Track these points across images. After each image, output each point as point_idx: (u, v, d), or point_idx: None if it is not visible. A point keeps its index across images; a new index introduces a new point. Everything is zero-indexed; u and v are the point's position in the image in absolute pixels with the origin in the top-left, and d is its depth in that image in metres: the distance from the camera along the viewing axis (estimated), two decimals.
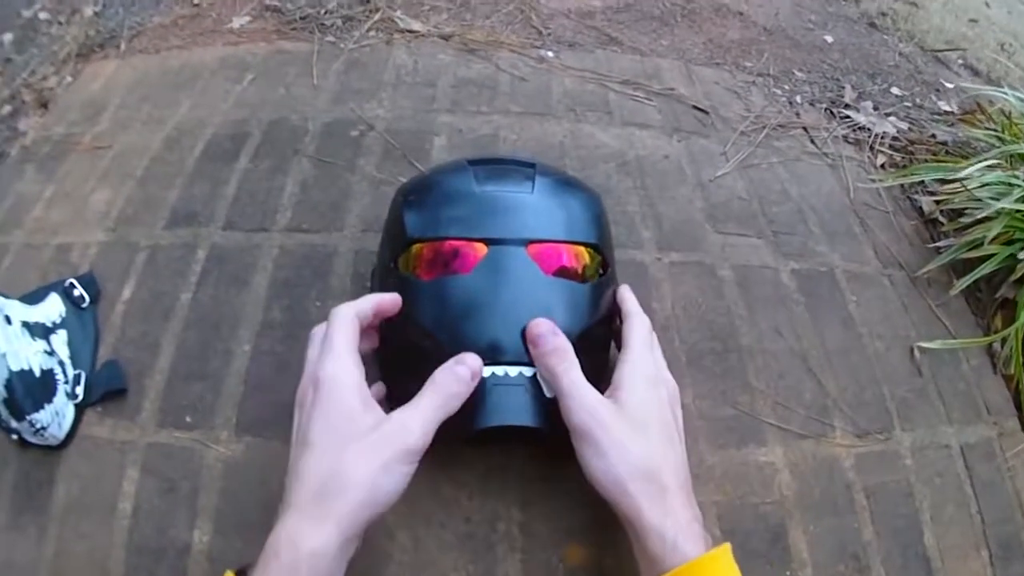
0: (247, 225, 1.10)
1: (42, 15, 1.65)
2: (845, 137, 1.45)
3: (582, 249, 0.81)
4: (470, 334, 0.73)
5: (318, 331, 0.72)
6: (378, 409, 0.66)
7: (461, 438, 0.71)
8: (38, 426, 0.82)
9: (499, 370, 0.72)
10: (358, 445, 0.61)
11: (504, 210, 0.80)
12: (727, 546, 0.64)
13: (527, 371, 0.72)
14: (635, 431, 0.68)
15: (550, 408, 0.71)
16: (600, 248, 0.83)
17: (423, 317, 0.76)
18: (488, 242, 0.77)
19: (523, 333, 0.73)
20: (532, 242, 0.78)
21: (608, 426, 0.67)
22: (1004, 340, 1.09)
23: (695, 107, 1.44)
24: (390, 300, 0.76)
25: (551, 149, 1.27)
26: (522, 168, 0.86)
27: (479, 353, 0.71)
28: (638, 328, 0.79)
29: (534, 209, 0.81)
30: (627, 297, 0.84)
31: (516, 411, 0.71)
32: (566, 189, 0.88)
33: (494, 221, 0.78)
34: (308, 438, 0.63)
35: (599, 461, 0.66)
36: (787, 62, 1.69)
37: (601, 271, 0.83)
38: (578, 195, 0.87)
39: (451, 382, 0.68)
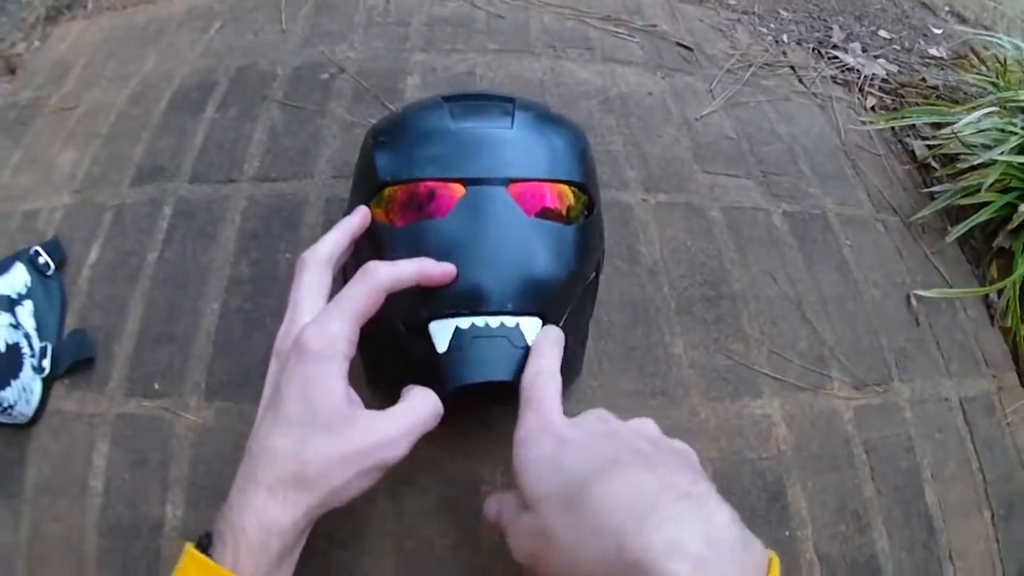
0: (214, 177, 1.05)
1: None
2: (834, 78, 1.41)
3: (566, 188, 0.75)
4: (448, 283, 0.67)
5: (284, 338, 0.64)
6: (359, 404, 0.61)
7: (440, 395, 0.65)
8: (5, 404, 0.79)
9: (479, 321, 0.67)
10: (339, 449, 0.57)
11: (482, 147, 0.74)
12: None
13: (509, 321, 0.67)
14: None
15: None
16: (586, 187, 0.78)
17: None
18: (466, 182, 0.71)
19: (506, 278, 0.68)
20: (513, 181, 0.72)
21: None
22: (1001, 291, 1.07)
23: (679, 44, 1.39)
24: (359, 218, 0.71)
25: (530, 86, 1.22)
26: (501, 103, 0.81)
27: (458, 302, 0.66)
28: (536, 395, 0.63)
29: (514, 146, 0.75)
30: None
31: (498, 365, 0.66)
32: (548, 124, 0.81)
33: (471, 159, 0.73)
34: (285, 411, 0.58)
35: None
36: (772, 1, 1.65)
37: (587, 212, 0.78)
38: (561, 131, 0.81)
39: (435, 406, 0.63)
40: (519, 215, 0.70)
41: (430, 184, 0.71)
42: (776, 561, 0.49)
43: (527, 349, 0.66)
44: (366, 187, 0.76)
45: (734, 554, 0.46)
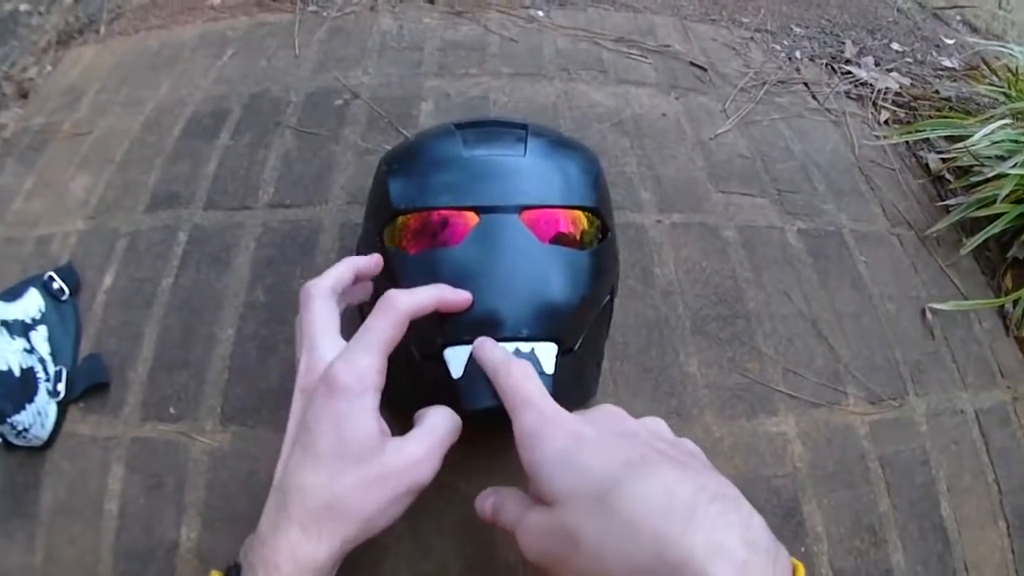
0: (229, 204, 1.06)
1: (23, 6, 1.61)
2: (847, 93, 1.42)
3: (580, 214, 0.76)
4: (465, 309, 0.68)
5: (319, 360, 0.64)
6: (388, 432, 0.61)
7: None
8: (20, 428, 0.79)
9: None
10: (370, 477, 0.57)
11: (495, 175, 0.75)
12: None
13: (524, 347, 0.68)
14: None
15: (550, 385, 0.67)
16: (599, 212, 0.78)
17: None
18: (479, 210, 0.72)
19: (521, 305, 0.68)
20: (526, 208, 0.73)
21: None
22: (1016, 301, 1.07)
23: (692, 64, 1.40)
24: (368, 261, 0.71)
25: (544, 110, 1.23)
26: (513, 129, 0.82)
27: (473, 329, 0.67)
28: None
29: (527, 173, 0.76)
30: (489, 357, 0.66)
31: None
32: (561, 150, 0.82)
33: (484, 187, 0.73)
34: (315, 447, 0.57)
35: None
36: (784, 17, 1.66)
37: (600, 236, 0.78)
38: (574, 156, 0.82)
39: (454, 418, 0.64)
40: (533, 242, 0.71)
41: (443, 213, 0.72)
42: (801, 568, 0.48)
43: (543, 374, 0.67)
44: (380, 215, 0.76)
45: (769, 557, 0.46)
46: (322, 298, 0.65)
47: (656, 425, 0.60)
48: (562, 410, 0.59)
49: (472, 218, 0.71)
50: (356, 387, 0.58)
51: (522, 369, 0.62)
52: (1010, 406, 0.98)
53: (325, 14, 1.46)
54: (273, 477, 0.59)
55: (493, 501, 0.63)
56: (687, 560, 0.44)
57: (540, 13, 1.49)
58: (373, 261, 0.71)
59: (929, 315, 1.03)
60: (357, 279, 0.71)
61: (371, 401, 0.59)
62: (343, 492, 0.56)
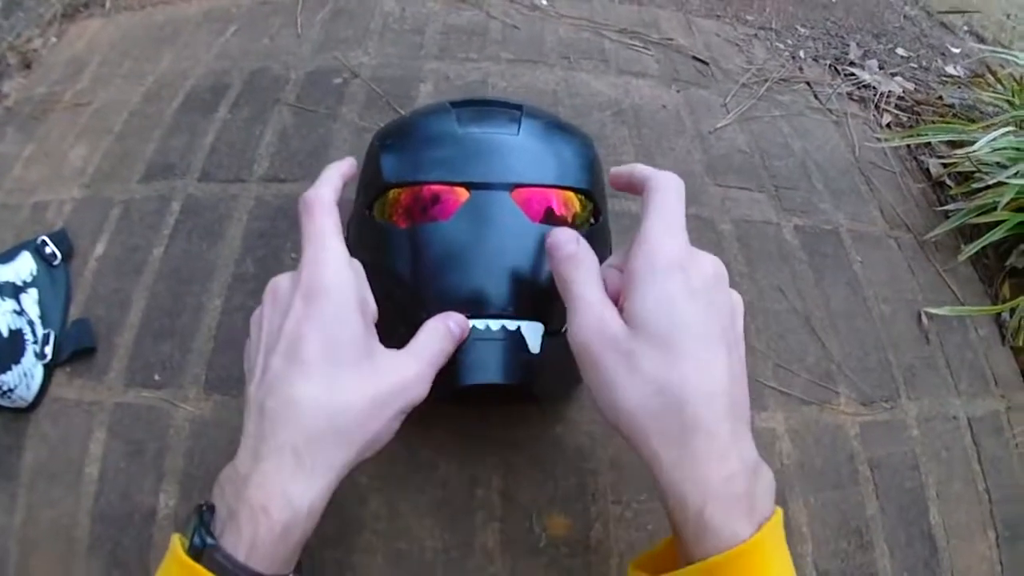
0: (223, 176, 1.05)
1: None
2: (850, 94, 1.41)
3: (572, 195, 0.75)
4: (451, 285, 0.68)
5: (281, 283, 0.60)
6: (377, 339, 0.58)
7: (438, 396, 0.63)
8: (5, 388, 0.80)
9: (480, 324, 0.66)
10: (367, 383, 0.53)
11: (487, 152, 0.74)
12: (777, 518, 0.50)
13: (510, 325, 0.67)
14: (653, 346, 0.51)
15: (535, 365, 0.67)
16: (592, 194, 0.77)
17: (400, 267, 0.70)
18: (470, 186, 0.71)
19: (509, 282, 0.68)
20: (517, 186, 0.72)
21: (616, 343, 0.53)
22: (1013, 311, 1.07)
23: (695, 58, 1.40)
24: (348, 165, 0.69)
25: (543, 96, 1.22)
26: (508, 110, 0.80)
27: (460, 305, 0.66)
28: (658, 197, 0.60)
29: (520, 152, 0.75)
30: (638, 166, 0.65)
31: (498, 368, 0.66)
32: (555, 132, 0.81)
33: (476, 164, 0.72)
34: (301, 354, 0.52)
35: (606, 393, 0.53)
36: (790, 17, 1.65)
37: (592, 219, 0.78)
38: (568, 138, 0.81)
39: (445, 335, 0.61)
40: (523, 220, 0.70)
41: (434, 187, 0.71)
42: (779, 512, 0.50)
43: (528, 353, 0.66)
44: (370, 188, 0.76)
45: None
46: (326, 207, 0.61)
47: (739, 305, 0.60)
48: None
49: (463, 194, 0.70)
50: (341, 289, 0.55)
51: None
52: (1004, 415, 0.98)
53: None
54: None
55: (575, 248, 0.60)
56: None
57: (544, 2, 1.48)
58: (348, 163, 0.69)
59: (925, 319, 1.03)
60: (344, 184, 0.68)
61: (351, 295, 0.56)
62: (346, 405, 0.52)
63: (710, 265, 0.57)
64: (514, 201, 0.70)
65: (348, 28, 1.35)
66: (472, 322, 0.66)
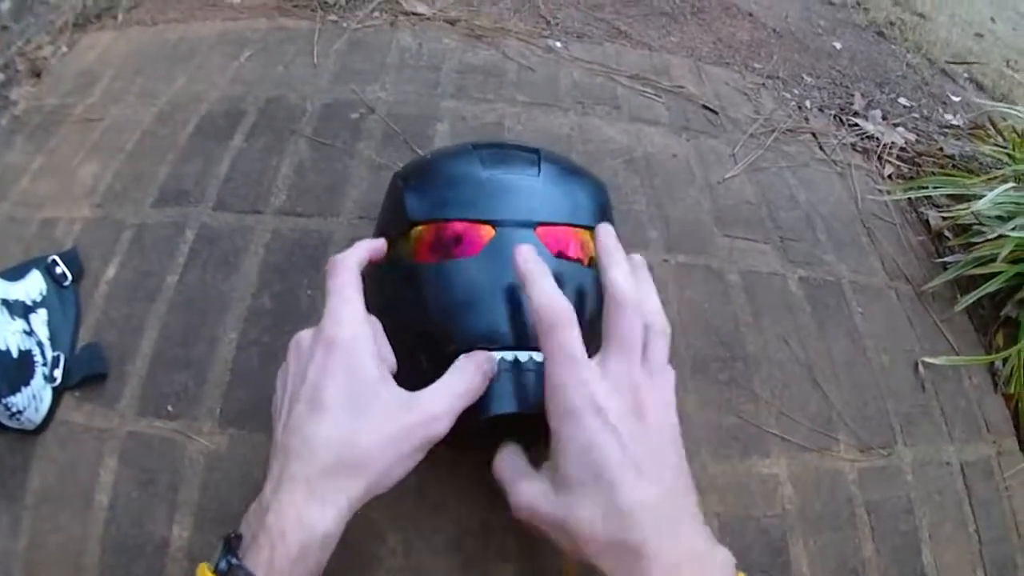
0: (239, 206, 1.06)
1: None
2: (853, 145, 1.44)
3: (589, 235, 0.78)
4: (477, 318, 0.70)
5: (304, 338, 0.65)
6: (394, 384, 0.62)
7: (462, 429, 0.65)
8: (14, 410, 0.78)
9: (508, 355, 0.68)
10: (380, 423, 0.58)
11: (511, 193, 0.77)
12: None
13: (537, 356, 0.69)
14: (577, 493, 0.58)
15: None
16: None
17: (427, 301, 0.73)
18: (495, 224, 0.74)
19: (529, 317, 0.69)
20: (541, 224, 0.75)
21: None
22: (1006, 359, 1.09)
23: (704, 106, 1.42)
24: (379, 245, 0.73)
25: (557, 141, 1.24)
26: (527, 154, 0.84)
27: (486, 338, 0.68)
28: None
29: (541, 193, 0.79)
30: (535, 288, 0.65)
31: (522, 399, 0.67)
32: (572, 175, 0.85)
33: (501, 203, 0.76)
34: (321, 399, 0.58)
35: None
36: (796, 66, 1.69)
37: None
38: (584, 182, 0.85)
39: (475, 372, 0.64)
40: (547, 256, 0.72)
41: (459, 226, 0.73)
42: None
43: None
44: (393, 226, 0.78)
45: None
46: (351, 270, 0.66)
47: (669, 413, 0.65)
48: (593, 371, 0.61)
49: (488, 231, 0.73)
50: (358, 342, 0.60)
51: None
52: (994, 460, 1.01)
53: (345, 25, 1.47)
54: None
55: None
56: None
57: (558, 44, 1.51)
58: (379, 244, 0.73)
59: (922, 369, 1.06)
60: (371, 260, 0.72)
61: (367, 345, 0.61)
62: (351, 436, 0.57)
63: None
64: (538, 238, 0.73)
65: (365, 61, 1.37)
66: (500, 353, 0.68)
